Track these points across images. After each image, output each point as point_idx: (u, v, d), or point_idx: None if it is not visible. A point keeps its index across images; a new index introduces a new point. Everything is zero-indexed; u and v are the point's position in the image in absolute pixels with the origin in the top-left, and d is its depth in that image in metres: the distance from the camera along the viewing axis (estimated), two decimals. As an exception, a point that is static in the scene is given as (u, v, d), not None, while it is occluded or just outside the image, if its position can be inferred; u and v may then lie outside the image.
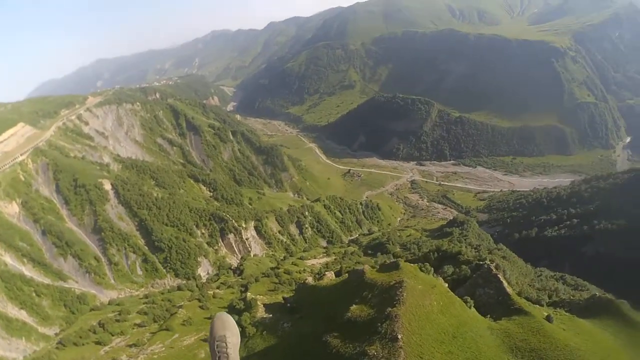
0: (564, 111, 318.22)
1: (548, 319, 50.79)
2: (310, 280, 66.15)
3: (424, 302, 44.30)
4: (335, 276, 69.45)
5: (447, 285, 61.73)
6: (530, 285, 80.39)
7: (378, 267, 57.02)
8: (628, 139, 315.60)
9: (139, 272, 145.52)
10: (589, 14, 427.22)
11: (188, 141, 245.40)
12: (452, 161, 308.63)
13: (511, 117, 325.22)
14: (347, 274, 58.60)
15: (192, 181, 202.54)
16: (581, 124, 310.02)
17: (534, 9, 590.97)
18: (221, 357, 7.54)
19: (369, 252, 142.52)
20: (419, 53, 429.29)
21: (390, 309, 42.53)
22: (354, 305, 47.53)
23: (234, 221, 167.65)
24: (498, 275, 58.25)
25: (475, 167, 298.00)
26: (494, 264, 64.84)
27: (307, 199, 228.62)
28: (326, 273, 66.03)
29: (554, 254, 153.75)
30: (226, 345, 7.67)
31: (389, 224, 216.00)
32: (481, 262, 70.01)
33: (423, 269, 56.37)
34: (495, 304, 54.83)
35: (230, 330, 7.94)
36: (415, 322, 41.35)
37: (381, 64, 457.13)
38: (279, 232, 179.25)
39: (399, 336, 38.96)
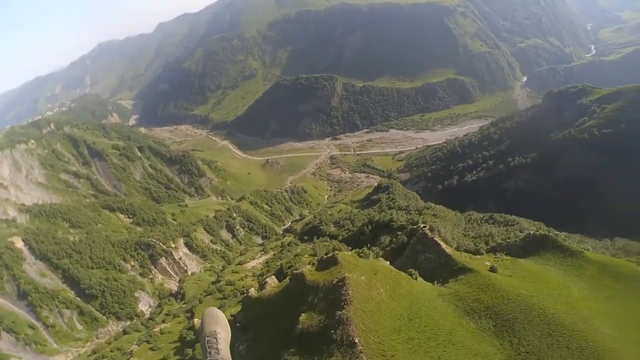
0: (461, 63, 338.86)
1: (492, 269, 50.27)
2: (253, 291, 61.84)
3: (371, 294, 41.81)
4: (277, 279, 65.58)
5: (387, 259, 59.98)
6: (465, 235, 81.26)
7: (317, 264, 53.64)
8: (524, 79, 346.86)
9: (79, 327, 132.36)
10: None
11: (94, 169, 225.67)
12: (365, 130, 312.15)
13: (413, 77, 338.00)
14: (288, 279, 54.73)
15: (107, 212, 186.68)
16: (479, 72, 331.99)
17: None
18: (212, 353, 7.32)
19: (305, 237, 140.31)
20: (315, 31, 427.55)
21: (339, 312, 39.78)
22: (303, 315, 44.15)
23: (161, 244, 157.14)
24: (435, 239, 57.19)
25: (388, 130, 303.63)
26: (428, 227, 63.85)
27: (232, 199, 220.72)
28: (267, 280, 61.83)
29: (477, 196, 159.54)
30: (217, 340, 7.52)
31: (318, 204, 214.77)
32: (415, 227, 69.12)
33: (361, 254, 53.74)
34: (438, 267, 53.79)
35: (220, 326, 7.81)
36: (368, 319, 38.83)
37: (280, 47, 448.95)
38: (211, 241, 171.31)
39: (356, 340, 36.41)
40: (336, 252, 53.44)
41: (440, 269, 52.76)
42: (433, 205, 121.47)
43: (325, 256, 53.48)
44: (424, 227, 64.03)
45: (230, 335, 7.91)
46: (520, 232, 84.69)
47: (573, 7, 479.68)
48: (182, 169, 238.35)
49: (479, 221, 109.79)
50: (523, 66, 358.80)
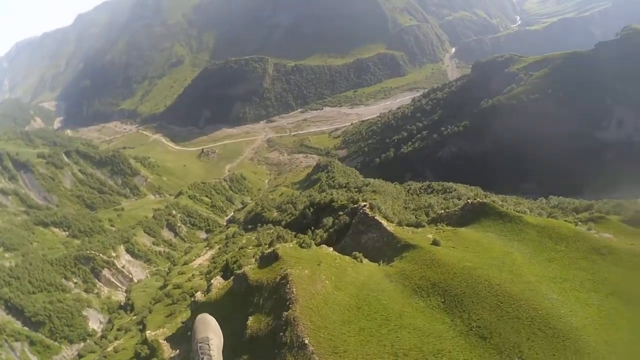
0: (391, 38, 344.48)
1: (435, 243, 49.87)
2: (199, 295, 58.99)
3: (316, 289, 40.11)
4: (224, 277, 62.91)
5: (332, 242, 58.68)
6: (406, 208, 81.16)
7: (259, 261, 51.26)
8: (453, 50, 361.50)
9: (33, 359, 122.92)
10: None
11: (21, 183, 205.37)
12: (299, 109, 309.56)
13: (344, 54, 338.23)
14: (231, 280, 52.13)
15: (41, 228, 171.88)
16: (408, 46, 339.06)
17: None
18: (204, 359, 7.29)
19: (249, 226, 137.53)
20: (242, 12, 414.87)
21: (285, 313, 37.88)
22: (250, 318, 41.93)
23: (101, 255, 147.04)
24: (376, 217, 56.36)
25: (322, 108, 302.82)
26: (368, 205, 62.95)
27: (170, 195, 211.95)
28: (212, 282, 58.98)
29: (415, 166, 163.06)
30: (209, 347, 7.48)
31: (259, 190, 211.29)
32: (356, 206, 68.13)
33: (303, 244, 51.73)
34: (382, 246, 52.90)
35: (213, 332, 7.82)
36: (316, 316, 37.15)
37: (206, 31, 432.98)
38: (153, 243, 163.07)
39: (306, 341, 34.62)
40: (277, 247, 51.06)
41: (385, 248, 51.87)
42: (372, 180, 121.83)
43: (266, 252, 51.25)
44: (364, 206, 63.10)
45: (222, 341, 7.89)
46: (459, 199, 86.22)
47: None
48: (114, 169, 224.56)
49: (418, 191, 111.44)
50: (451, 38, 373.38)
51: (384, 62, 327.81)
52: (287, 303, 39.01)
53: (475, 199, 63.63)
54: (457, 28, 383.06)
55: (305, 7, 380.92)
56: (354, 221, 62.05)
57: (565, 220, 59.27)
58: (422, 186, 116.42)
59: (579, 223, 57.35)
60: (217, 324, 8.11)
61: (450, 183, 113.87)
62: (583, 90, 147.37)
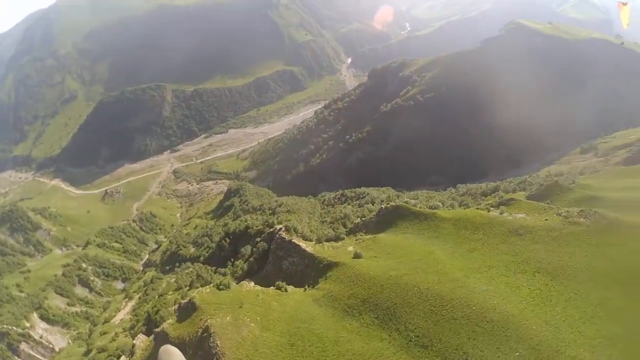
0: (289, 54, 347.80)
1: (357, 255, 48.74)
2: (124, 360, 53.59)
3: (242, 335, 37.15)
4: (147, 332, 57.72)
5: (253, 272, 55.83)
6: (323, 222, 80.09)
7: (177, 314, 47.21)
8: (349, 60, 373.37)
9: None
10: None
11: None
12: (203, 135, 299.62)
13: (244, 74, 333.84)
14: (152, 340, 47.58)
15: None
16: (306, 60, 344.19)
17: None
18: None
19: (167, 267, 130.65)
20: (138, 38, 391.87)
21: None
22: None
23: (14, 327, 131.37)
24: (293, 240, 54.67)
25: (227, 131, 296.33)
26: (284, 228, 61.06)
27: (78, 247, 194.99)
28: (135, 342, 53.58)
29: (326, 176, 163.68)
30: None
31: (172, 225, 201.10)
32: (272, 230, 65.99)
33: (221, 286, 48.24)
34: (305, 269, 51.28)
35: None
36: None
37: (100, 60, 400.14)
38: (68, 304, 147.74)
39: None
40: (193, 295, 47.02)
41: (307, 270, 50.08)
42: (285, 199, 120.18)
43: (183, 303, 47.32)
44: (280, 229, 61.14)
45: None
46: (372, 204, 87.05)
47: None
48: (13, 226, 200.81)
49: (332, 202, 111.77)
50: (347, 49, 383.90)
51: (284, 79, 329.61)
52: (214, 359, 35.72)
53: (388, 203, 63.79)
54: (351, 39, 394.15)
55: (202, 29, 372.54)
56: (272, 247, 59.82)
57: (478, 208, 60.94)
58: (335, 196, 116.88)
59: (491, 209, 59.21)
60: (181, 354, 7.93)
61: (362, 188, 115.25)
62: (469, 83, 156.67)
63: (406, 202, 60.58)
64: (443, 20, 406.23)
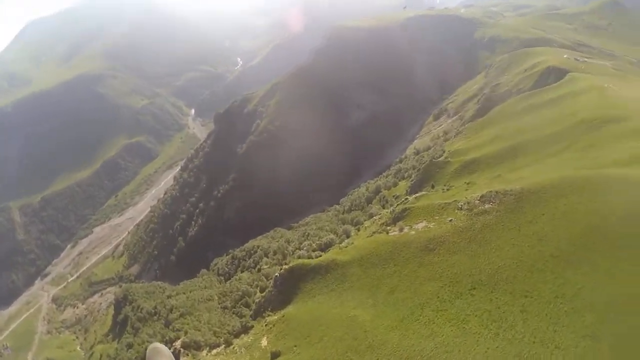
0: (130, 124, 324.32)
1: (274, 355, 39.88)
2: None
3: None
4: None
5: None
6: (224, 310, 70.42)
7: None
8: (193, 111, 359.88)
9: None
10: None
11: None
12: (69, 246, 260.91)
13: (89, 161, 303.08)
14: None
15: None
16: (149, 125, 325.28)
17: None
18: None
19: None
20: None
21: None
22: None
23: None
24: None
25: (92, 231, 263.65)
26: (179, 346, 50.76)
27: None
28: None
29: (211, 241, 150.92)
30: None
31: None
32: (172, 351, 54.15)
33: None
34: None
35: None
36: None
37: None
38: None
39: None
40: None
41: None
42: (178, 298, 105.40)
43: None
44: (180, 352, 51.49)
45: None
46: (267, 256, 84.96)
47: (210, 29, 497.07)
48: None
49: (225, 271, 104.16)
50: (187, 101, 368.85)
51: (132, 153, 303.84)
52: None
53: (282, 267, 56.08)
54: (189, 89, 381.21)
55: (28, 132, 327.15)
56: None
57: (375, 233, 55.08)
58: (226, 262, 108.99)
59: (388, 228, 53.69)
60: (169, 352, 7.93)
61: (250, 242, 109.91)
62: (313, 95, 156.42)
63: (300, 261, 52.64)
64: (268, 47, 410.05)
